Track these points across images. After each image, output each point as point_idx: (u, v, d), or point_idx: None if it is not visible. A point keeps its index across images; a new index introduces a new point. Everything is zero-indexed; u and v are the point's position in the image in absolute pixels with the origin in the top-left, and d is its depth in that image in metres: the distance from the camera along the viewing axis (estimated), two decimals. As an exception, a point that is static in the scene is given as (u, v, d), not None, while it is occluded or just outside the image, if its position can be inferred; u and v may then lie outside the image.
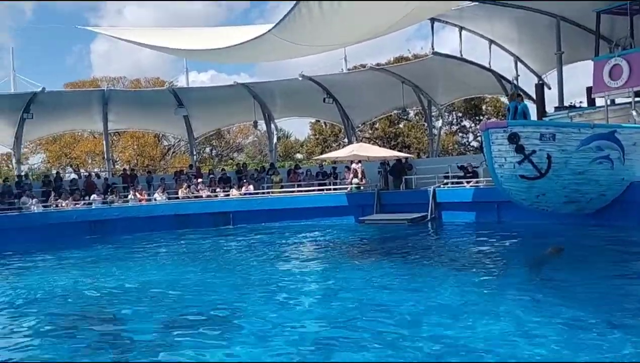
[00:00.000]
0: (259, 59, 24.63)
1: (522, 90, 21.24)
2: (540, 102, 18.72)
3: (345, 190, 21.96)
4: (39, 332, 7.57)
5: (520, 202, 14.62)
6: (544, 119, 17.49)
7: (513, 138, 13.11)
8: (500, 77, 23.27)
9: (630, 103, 15.76)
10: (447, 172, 20.83)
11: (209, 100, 27.22)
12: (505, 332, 6.47)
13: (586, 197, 14.58)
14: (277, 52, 18.02)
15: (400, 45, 76.23)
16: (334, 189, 22.36)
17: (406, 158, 24.06)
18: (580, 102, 18.73)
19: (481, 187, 18.81)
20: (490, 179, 15.29)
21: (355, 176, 22.32)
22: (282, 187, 23.77)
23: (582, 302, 7.61)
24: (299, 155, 48.05)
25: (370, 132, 42.68)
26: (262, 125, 28.89)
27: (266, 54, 18.92)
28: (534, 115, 18.48)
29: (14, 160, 27.23)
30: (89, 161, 42.48)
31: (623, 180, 14.41)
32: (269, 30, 14.50)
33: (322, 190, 22.52)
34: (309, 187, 23.08)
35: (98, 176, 26.75)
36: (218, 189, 23.88)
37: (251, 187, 23.47)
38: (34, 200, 21.72)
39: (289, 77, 26.43)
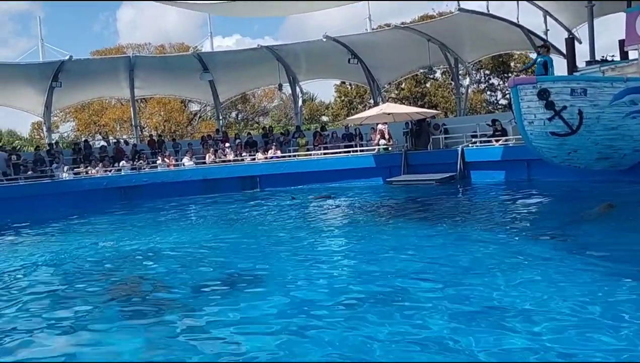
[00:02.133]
0: (286, 11, 24.46)
1: (552, 45, 20.62)
2: (570, 56, 18.15)
3: (373, 152, 21.85)
4: (75, 291, 7.76)
5: (551, 160, 14.37)
6: (574, 73, 17.02)
7: (543, 94, 12.80)
8: (528, 32, 22.65)
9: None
10: (475, 131, 20.53)
11: (233, 64, 27.11)
12: (556, 306, 5.75)
13: (619, 153, 14.23)
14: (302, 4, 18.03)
15: (424, 4, 74.07)
16: (361, 151, 22.26)
17: (432, 116, 23.74)
18: (613, 55, 18.12)
19: (510, 145, 18.51)
20: (520, 136, 15.04)
21: (382, 137, 22.15)
22: (308, 150, 23.76)
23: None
24: (324, 118, 47.83)
25: (396, 92, 42.20)
26: (287, 88, 28.78)
27: (291, 6, 18.82)
28: (564, 70, 18.08)
29: (44, 129, 27.73)
30: (117, 128, 42.95)
31: (658, 135, 14.03)
32: None
33: (349, 152, 22.42)
34: (335, 149, 23.01)
35: (126, 143, 27.12)
36: (244, 153, 23.97)
37: (278, 151, 23.50)
38: (66, 167, 22.18)
39: (313, 38, 26.19)
